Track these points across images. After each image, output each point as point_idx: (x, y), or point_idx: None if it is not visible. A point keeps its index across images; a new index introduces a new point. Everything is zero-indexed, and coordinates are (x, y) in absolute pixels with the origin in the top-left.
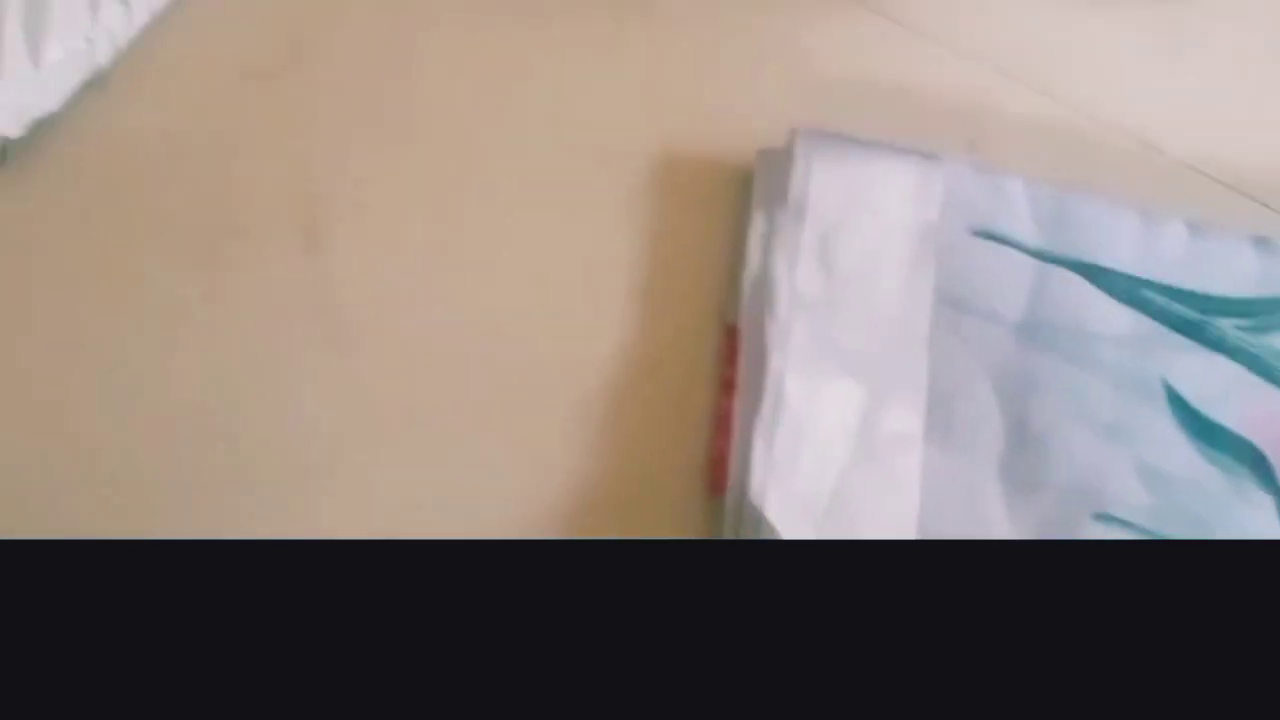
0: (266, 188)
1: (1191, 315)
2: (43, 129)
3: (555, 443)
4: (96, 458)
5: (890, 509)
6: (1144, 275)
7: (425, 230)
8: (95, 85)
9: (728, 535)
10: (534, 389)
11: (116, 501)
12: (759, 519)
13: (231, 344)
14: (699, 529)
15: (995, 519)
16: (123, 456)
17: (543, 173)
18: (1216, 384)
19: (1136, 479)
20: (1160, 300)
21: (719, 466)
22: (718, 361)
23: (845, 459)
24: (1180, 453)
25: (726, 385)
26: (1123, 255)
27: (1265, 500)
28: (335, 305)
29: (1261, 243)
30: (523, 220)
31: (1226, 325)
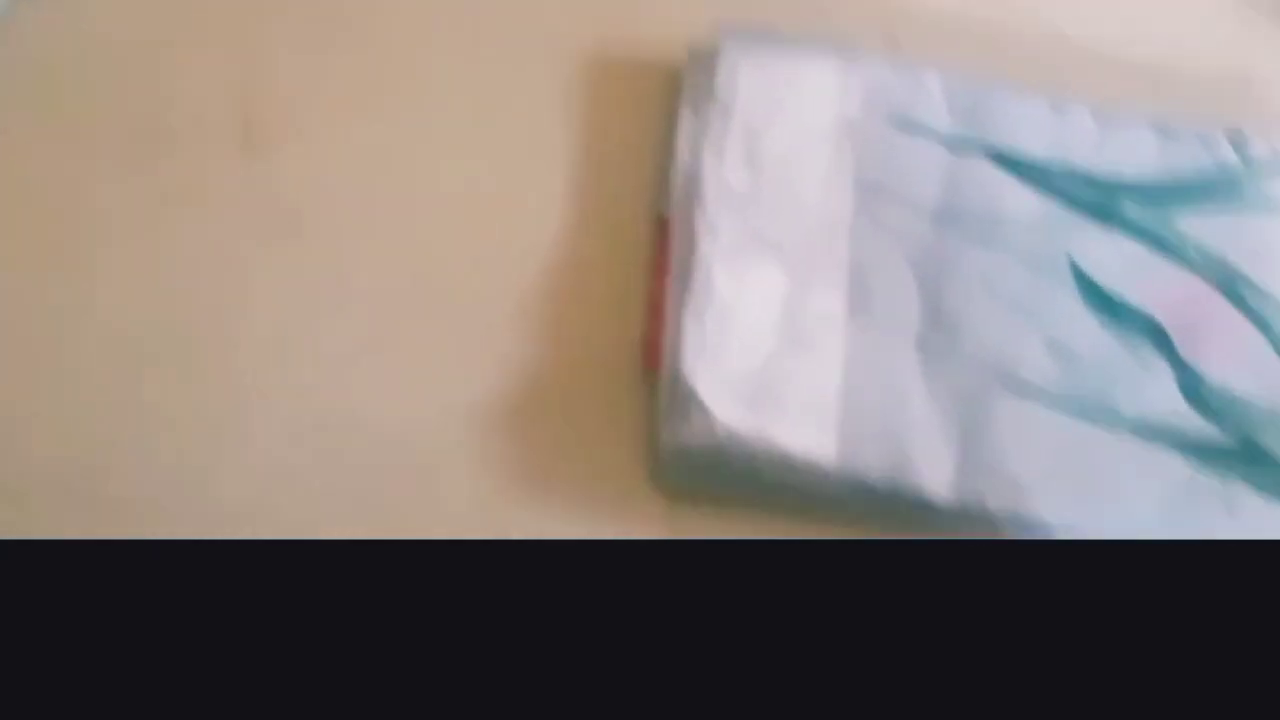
0: (200, 88)
1: (1097, 198)
2: None
3: (497, 330)
4: (41, 363)
5: (814, 383)
6: (1052, 161)
7: (361, 128)
8: None
9: (660, 413)
10: (475, 279)
11: (63, 402)
12: (690, 396)
13: (175, 242)
14: (636, 407)
15: (913, 392)
16: (70, 358)
17: (476, 72)
18: (1120, 262)
19: (1044, 352)
20: (1067, 185)
21: (653, 347)
22: (651, 251)
23: (772, 338)
24: (1085, 327)
25: (659, 272)
26: (1032, 143)
27: (1163, 368)
28: (275, 202)
29: (1163, 128)
30: (458, 118)
31: (1130, 207)
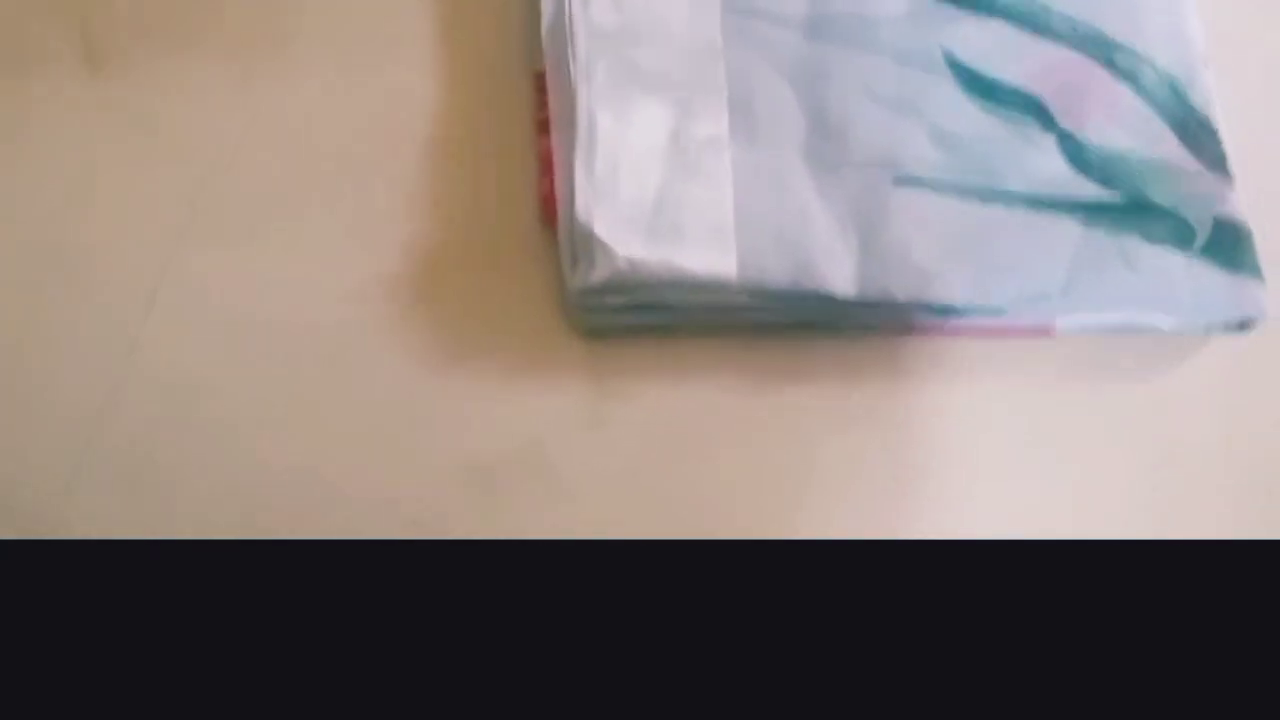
0: (36, 10)
1: None
2: None
3: (390, 208)
4: None
5: (708, 205)
6: None
7: (212, 29)
8: None
9: (564, 260)
10: (360, 161)
11: None
12: (589, 236)
13: (33, 168)
14: (541, 263)
15: (806, 200)
16: None
17: None
18: (992, 45)
19: (929, 142)
20: None
21: (550, 202)
22: (532, 107)
23: (661, 171)
24: (967, 113)
25: (542, 127)
26: None
27: (1047, 141)
28: (130, 114)
29: None
30: (316, 6)
31: None
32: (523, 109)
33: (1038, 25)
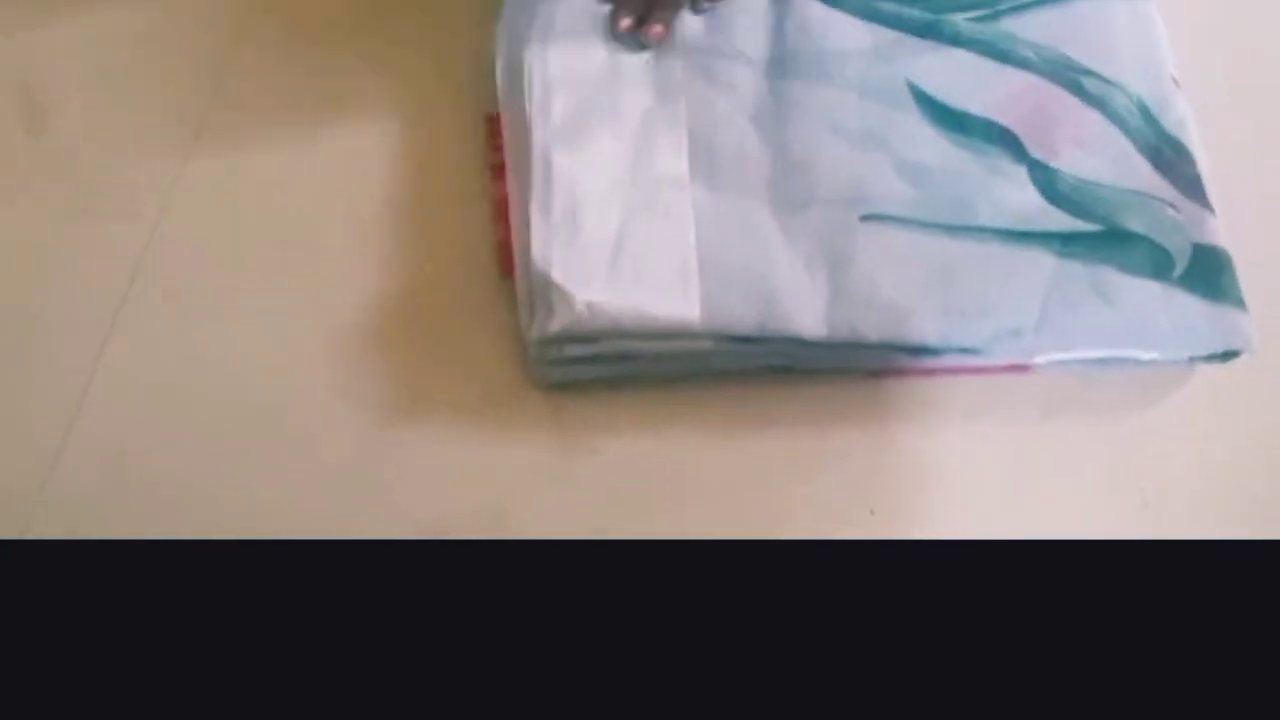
0: None
1: (925, 17)
2: None
3: (345, 261)
4: None
5: (670, 247)
6: None
7: (160, 94)
8: None
9: (522, 307)
10: (312, 215)
11: None
12: (547, 283)
13: None
14: (500, 313)
15: (771, 240)
16: None
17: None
18: (958, 76)
19: (896, 177)
20: (894, 9)
21: (507, 249)
22: (486, 152)
23: (621, 211)
24: (935, 146)
25: (497, 172)
26: None
27: (1018, 171)
28: (81, 179)
29: None
30: (266, 61)
31: (959, 20)
32: (477, 155)
33: (1003, 54)
